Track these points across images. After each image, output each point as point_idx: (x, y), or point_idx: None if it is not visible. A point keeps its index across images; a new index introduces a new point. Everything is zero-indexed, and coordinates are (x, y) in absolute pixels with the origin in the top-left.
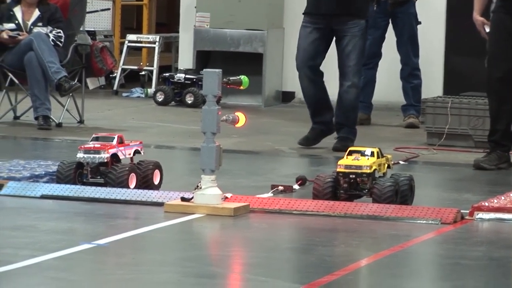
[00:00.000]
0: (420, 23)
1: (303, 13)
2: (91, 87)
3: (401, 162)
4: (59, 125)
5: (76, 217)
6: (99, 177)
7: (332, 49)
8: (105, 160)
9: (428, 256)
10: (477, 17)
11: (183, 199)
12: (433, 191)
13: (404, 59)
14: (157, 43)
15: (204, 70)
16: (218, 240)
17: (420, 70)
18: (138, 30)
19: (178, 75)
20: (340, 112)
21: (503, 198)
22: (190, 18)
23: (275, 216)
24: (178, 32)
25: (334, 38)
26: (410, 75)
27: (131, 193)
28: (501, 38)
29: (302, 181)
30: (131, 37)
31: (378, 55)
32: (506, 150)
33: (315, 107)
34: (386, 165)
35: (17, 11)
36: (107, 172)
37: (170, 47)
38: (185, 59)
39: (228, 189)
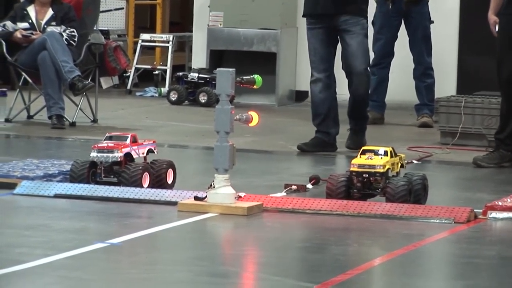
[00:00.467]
0: (432, 22)
1: (303, 16)
2: (104, 86)
3: (415, 162)
4: (72, 124)
5: (89, 216)
6: (112, 176)
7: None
8: (119, 159)
9: (441, 256)
10: (491, 16)
11: (196, 198)
12: (447, 191)
13: (417, 58)
14: (170, 42)
15: (217, 69)
16: (231, 239)
17: (433, 69)
18: (152, 29)
19: (192, 74)
20: (352, 107)
21: None
22: (204, 17)
23: (288, 216)
24: (191, 31)
25: (339, 38)
26: (423, 74)
27: (145, 192)
28: (508, 39)
29: (315, 180)
30: (145, 36)
31: (391, 55)
32: (510, 150)
33: (324, 116)
34: (399, 164)
35: (31, 10)
36: (121, 171)
37: (183, 46)
38: (199, 58)
39: (241, 189)
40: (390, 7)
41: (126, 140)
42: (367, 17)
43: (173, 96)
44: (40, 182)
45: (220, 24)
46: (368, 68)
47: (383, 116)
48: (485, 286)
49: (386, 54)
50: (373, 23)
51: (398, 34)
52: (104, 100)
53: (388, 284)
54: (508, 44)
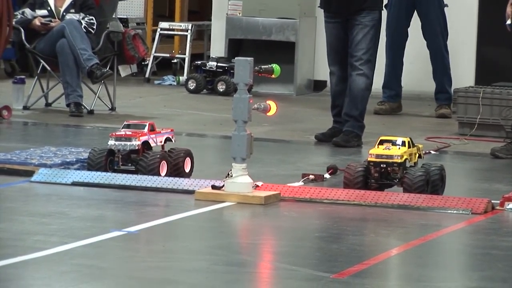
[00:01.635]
0: (447, 5)
1: (318, 7)
2: (123, 74)
3: (432, 152)
4: (90, 112)
5: (106, 204)
6: (130, 164)
7: None
8: (136, 148)
9: (458, 246)
10: (509, 7)
11: (213, 187)
12: (464, 181)
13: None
14: (189, 31)
15: (235, 58)
16: (248, 228)
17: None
18: (171, 18)
19: (210, 63)
20: (348, 101)
21: None
22: (223, 6)
23: (305, 205)
24: (210, 20)
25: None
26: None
27: (162, 180)
28: None
29: (333, 170)
30: (164, 24)
31: (405, 37)
32: None
33: (341, 107)
34: (417, 155)
35: None
36: (138, 160)
37: (202, 35)
38: (217, 47)
39: (259, 178)
40: None
41: (144, 129)
42: (381, 7)
43: (191, 85)
44: (58, 170)
45: (239, 13)
46: (371, 61)
47: (401, 105)
48: (501, 277)
49: (398, 35)
50: (386, 6)
51: (414, 21)
52: (122, 88)
53: (404, 274)
54: None
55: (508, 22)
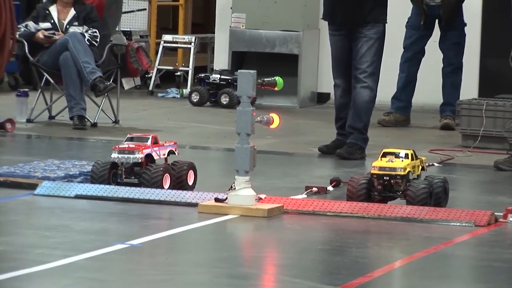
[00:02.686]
0: (465, 24)
1: (321, 18)
2: (126, 87)
3: (436, 164)
4: (94, 125)
5: (110, 217)
6: (133, 177)
7: None
8: (140, 161)
9: (462, 259)
10: None
11: (217, 200)
12: (467, 194)
13: (448, 56)
14: (192, 44)
15: (239, 71)
16: (252, 241)
17: (462, 70)
18: (174, 31)
19: (214, 75)
20: (352, 114)
21: None
22: (226, 19)
23: (308, 218)
24: (213, 32)
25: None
26: (452, 72)
27: (165, 193)
28: None
29: (336, 182)
30: (167, 37)
31: (422, 52)
32: None
33: (345, 120)
34: (420, 167)
35: (53, 10)
36: (141, 173)
37: (205, 48)
38: (221, 59)
39: (262, 190)
40: (422, 23)
41: (147, 141)
42: (386, 20)
43: (195, 98)
44: (61, 183)
45: (242, 26)
46: (375, 74)
47: (409, 118)
48: None
49: (417, 50)
50: (407, 22)
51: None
52: (125, 101)
53: (408, 287)
54: None
55: None
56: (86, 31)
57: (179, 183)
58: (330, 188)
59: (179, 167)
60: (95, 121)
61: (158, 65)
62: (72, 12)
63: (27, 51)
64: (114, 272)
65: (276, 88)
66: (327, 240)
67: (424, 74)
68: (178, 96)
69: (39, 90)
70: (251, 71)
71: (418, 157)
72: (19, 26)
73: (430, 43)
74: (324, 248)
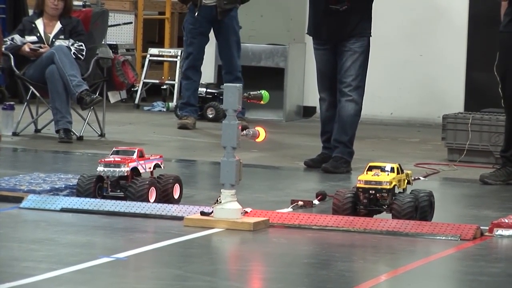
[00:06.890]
0: (241, 27)
1: (306, 33)
2: (112, 100)
3: (421, 178)
4: (80, 138)
5: (95, 230)
6: (119, 190)
7: None
8: (125, 174)
9: (447, 272)
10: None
11: (202, 213)
12: (453, 207)
13: (228, 63)
14: (178, 57)
15: (225, 84)
16: (237, 254)
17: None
18: (160, 44)
19: (200, 89)
20: (338, 127)
21: None
22: (212, 33)
23: (294, 231)
24: None
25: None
26: (236, 78)
27: (151, 207)
28: (510, 56)
29: (322, 196)
30: (153, 50)
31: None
32: None
33: (331, 134)
34: (406, 181)
35: (39, 23)
36: (127, 186)
37: None
38: (207, 73)
39: (247, 204)
40: (196, 14)
41: (132, 155)
42: (370, 33)
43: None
44: (47, 196)
45: None
46: (360, 87)
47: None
48: None
49: (197, 58)
50: (183, 27)
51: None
52: (111, 114)
53: None
54: (510, 60)
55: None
56: (72, 45)
57: (164, 197)
58: (316, 201)
59: (165, 180)
60: (81, 134)
61: (144, 78)
62: (58, 25)
63: (13, 64)
64: (100, 286)
65: (262, 102)
66: (313, 253)
67: (407, 87)
68: (164, 109)
69: (25, 103)
70: (237, 84)
71: (404, 171)
72: (5, 39)
73: (414, 56)
74: (309, 261)
